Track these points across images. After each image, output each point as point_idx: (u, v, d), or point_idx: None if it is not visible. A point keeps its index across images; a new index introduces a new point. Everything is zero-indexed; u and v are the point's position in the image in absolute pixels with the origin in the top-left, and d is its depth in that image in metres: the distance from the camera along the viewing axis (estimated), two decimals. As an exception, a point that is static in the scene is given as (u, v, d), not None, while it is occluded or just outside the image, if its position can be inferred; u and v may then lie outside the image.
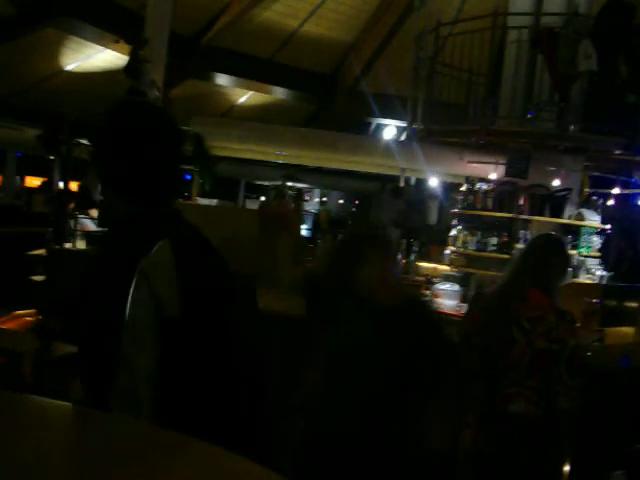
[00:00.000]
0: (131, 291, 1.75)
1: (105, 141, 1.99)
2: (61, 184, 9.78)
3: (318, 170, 13.12)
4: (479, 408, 3.37)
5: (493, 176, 8.55)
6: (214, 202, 8.36)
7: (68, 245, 8.04)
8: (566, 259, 3.48)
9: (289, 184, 12.60)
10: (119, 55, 11.52)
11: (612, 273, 8.60)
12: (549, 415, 3.14)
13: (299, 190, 9.17)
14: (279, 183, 10.46)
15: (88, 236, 8.55)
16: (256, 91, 15.12)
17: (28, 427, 1.47)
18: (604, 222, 8.61)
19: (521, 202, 8.27)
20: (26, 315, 4.93)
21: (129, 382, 1.76)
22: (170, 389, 1.80)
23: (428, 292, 8.09)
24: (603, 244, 8.74)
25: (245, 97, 15.43)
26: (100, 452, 1.38)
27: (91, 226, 9.57)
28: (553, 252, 3.39)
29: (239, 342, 2.19)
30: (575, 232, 8.27)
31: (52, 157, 9.71)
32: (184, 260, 1.83)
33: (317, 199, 17.86)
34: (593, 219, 8.42)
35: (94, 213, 10.68)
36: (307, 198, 15.83)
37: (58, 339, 3.37)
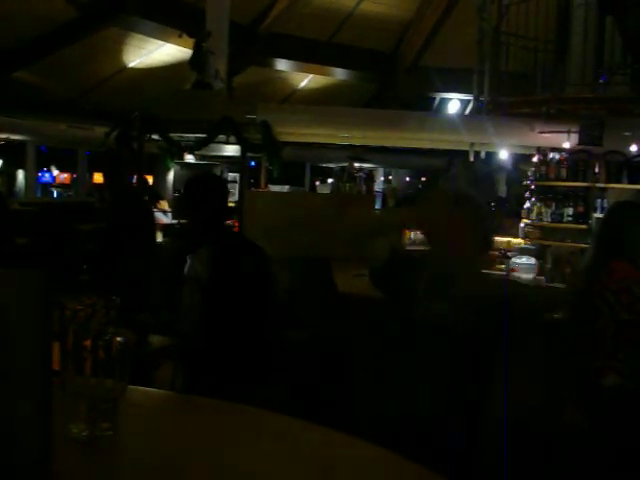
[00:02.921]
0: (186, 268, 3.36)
1: (185, 199, 3.50)
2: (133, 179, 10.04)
3: (383, 149, 13.03)
4: (576, 382, 3.32)
5: (566, 145, 8.34)
6: (285, 188, 8.41)
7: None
8: None
9: (355, 165, 12.57)
10: (180, 48, 11.66)
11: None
12: None
13: (369, 171, 9.13)
14: (345, 164, 10.43)
15: (163, 229, 8.75)
16: (316, 74, 15.09)
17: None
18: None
19: (597, 170, 8.07)
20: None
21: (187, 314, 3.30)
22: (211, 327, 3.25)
23: (503, 266, 8.00)
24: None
25: (306, 81, 15.42)
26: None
27: (164, 219, 9.78)
28: (632, 219, 3.29)
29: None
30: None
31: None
32: (217, 255, 3.30)
33: (382, 178, 17.75)
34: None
35: (164, 205, 10.92)
36: (374, 177, 15.76)
37: (153, 332, 3.48)
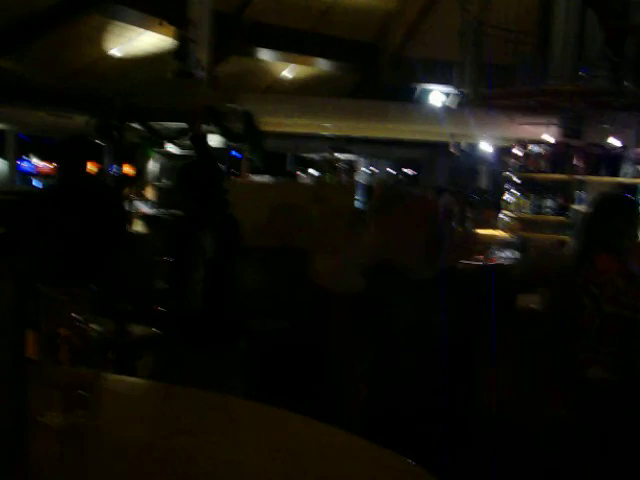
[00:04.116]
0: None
1: (182, 184, 4.07)
2: (114, 169, 9.96)
3: (365, 140, 13.03)
4: (560, 374, 3.33)
5: (546, 137, 8.40)
6: (265, 178, 8.40)
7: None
8: (632, 218, 3.35)
9: (337, 155, 12.55)
10: (162, 37, 11.57)
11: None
12: (631, 381, 3.08)
13: (351, 162, 9.13)
14: (326, 155, 10.42)
15: (145, 218, 8.69)
16: (299, 64, 15.04)
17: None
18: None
19: (576, 162, 8.12)
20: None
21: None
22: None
23: (482, 257, 8.04)
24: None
25: (288, 70, 15.37)
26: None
27: (145, 209, 9.71)
28: (616, 212, 3.29)
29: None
30: (634, 190, 8.09)
31: (103, 143, 9.85)
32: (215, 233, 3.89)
33: (364, 169, 17.73)
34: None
35: (148, 194, 10.85)
36: (356, 168, 15.74)
37: (132, 321, 3.46)
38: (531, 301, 3.52)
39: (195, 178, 4.00)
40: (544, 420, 3.31)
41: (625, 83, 7.65)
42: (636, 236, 3.31)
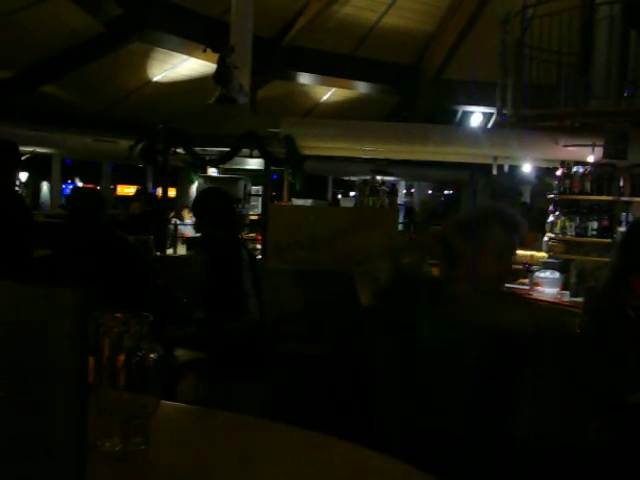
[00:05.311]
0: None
1: (201, 210, 4.12)
2: (158, 192, 10.12)
3: (405, 162, 13.04)
4: (601, 399, 3.29)
5: (590, 158, 8.30)
6: (308, 202, 8.44)
7: (169, 251, 8.29)
8: None
9: (378, 178, 12.56)
10: (204, 62, 11.77)
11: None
12: None
13: (392, 185, 9.14)
14: (368, 178, 10.43)
15: (187, 241, 8.80)
16: (339, 87, 15.16)
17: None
18: None
19: (621, 184, 8.00)
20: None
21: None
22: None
23: (527, 280, 7.96)
24: None
25: (329, 94, 15.50)
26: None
27: (188, 232, 9.84)
28: None
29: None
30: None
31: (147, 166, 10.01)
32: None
33: (404, 191, 17.75)
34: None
35: (186, 215, 11.00)
36: (397, 191, 15.75)
37: (181, 346, 3.50)
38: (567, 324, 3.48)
39: (208, 204, 4.11)
40: (585, 447, 3.26)
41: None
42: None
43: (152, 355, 1.34)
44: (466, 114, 14.80)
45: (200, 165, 8.15)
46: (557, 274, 8.00)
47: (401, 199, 16.88)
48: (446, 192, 18.07)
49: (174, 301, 4.11)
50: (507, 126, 8.77)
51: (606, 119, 7.84)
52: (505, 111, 8.82)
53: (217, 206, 4.01)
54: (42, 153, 13.81)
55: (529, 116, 8.52)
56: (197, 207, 4.16)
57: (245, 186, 8.52)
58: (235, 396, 3.64)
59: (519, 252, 9.39)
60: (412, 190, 17.90)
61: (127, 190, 21.09)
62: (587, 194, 8.26)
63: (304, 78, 14.41)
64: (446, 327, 2.57)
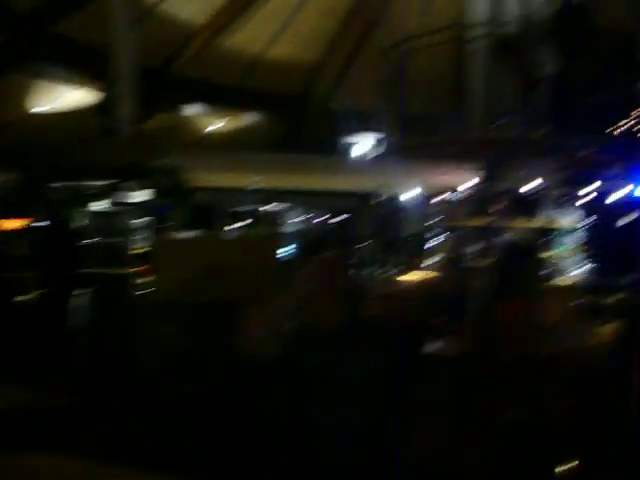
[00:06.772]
0: None
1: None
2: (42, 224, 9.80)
3: (295, 191, 13.16)
4: (474, 417, 3.39)
5: (468, 184, 8.64)
6: (193, 234, 8.38)
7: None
8: (535, 264, 3.43)
9: (267, 207, 12.62)
10: (88, 94, 11.52)
11: (592, 268, 8.70)
12: (539, 421, 3.17)
13: (276, 214, 9.20)
14: (257, 207, 10.49)
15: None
16: (227, 118, 15.16)
17: None
18: (578, 220, 8.73)
19: (497, 208, 8.35)
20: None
21: None
22: None
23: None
24: (580, 241, 8.86)
25: (217, 125, 15.46)
26: None
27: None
28: (519, 259, 3.39)
29: None
30: (552, 233, 8.35)
31: (30, 199, 9.73)
32: None
33: (295, 219, 17.80)
34: (567, 219, 8.53)
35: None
36: (284, 220, 15.81)
37: None
38: (441, 347, 3.60)
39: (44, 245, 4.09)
40: (462, 462, 3.37)
41: (539, 131, 7.97)
42: (541, 282, 3.42)
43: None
44: (353, 142, 15.05)
45: (83, 199, 7.99)
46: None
47: (292, 227, 16.99)
48: (337, 219, 18.27)
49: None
50: (388, 154, 9.01)
51: (481, 147, 8.18)
52: (388, 139, 9.04)
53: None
54: None
55: (410, 145, 8.78)
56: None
57: (129, 219, 8.37)
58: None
59: (405, 276, 9.67)
60: (304, 218, 17.97)
61: (10, 225, 20.24)
62: (466, 218, 8.59)
63: (191, 109, 14.32)
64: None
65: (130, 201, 8.86)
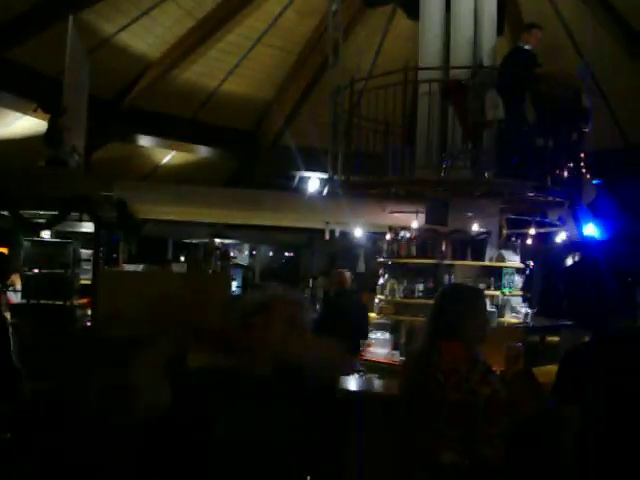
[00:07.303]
0: None
1: None
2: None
3: (245, 225, 13.20)
4: (417, 459, 3.39)
5: (415, 224, 8.78)
6: (140, 267, 8.31)
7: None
8: (475, 307, 3.49)
9: (217, 241, 12.61)
10: (39, 122, 11.42)
11: (536, 309, 8.89)
12: (477, 464, 3.19)
13: (226, 249, 9.21)
14: (206, 240, 10.46)
15: (12, 308, 8.35)
16: (179, 151, 15.19)
17: None
18: (523, 261, 8.93)
19: (443, 248, 8.49)
20: None
21: None
22: None
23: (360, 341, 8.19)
24: (525, 282, 9.06)
25: (168, 157, 15.47)
26: None
27: (14, 298, 9.32)
28: (458, 301, 3.44)
29: None
30: (497, 273, 8.51)
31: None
32: None
33: (247, 252, 17.86)
34: (513, 259, 8.71)
35: (17, 282, 10.41)
36: (235, 253, 15.82)
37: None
38: (391, 387, 3.62)
39: None
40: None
41: (485, 173, 8.18)
42: (482, 324, 3.48)
43: None
44: (303, 179, 15.21)
45: (28, 228, 7.84)
46: (387, 335, 8.32)
47: (243, 261, 17.01)
48: (286, 254, 18.37)
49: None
50: (337, 192, 9.10)
51: (428, 188, 8.35)
52: (336, 178, 9.16)
53: None
54: None
55: (358, 183, 8.91)
56: None
57: (75, 250, 8.24)
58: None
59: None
60: (254, 253, 18.05)
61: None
62: (413, 257, 8.72)
63: (144, 140, 14.32)
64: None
65: (77, 231, 8.74)
